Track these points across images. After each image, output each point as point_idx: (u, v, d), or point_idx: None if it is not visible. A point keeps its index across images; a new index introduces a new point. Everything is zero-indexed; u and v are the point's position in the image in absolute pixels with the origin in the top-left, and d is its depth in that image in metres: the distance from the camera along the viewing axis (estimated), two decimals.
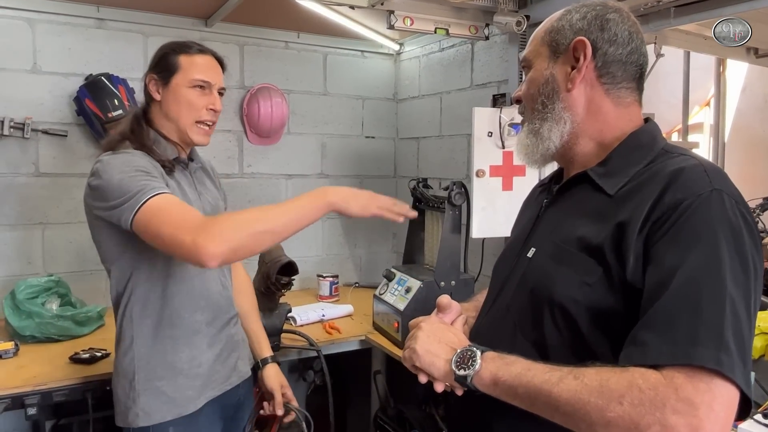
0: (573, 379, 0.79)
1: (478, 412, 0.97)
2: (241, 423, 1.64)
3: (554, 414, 0.81)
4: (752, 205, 2.79)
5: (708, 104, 4.03)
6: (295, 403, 1.71)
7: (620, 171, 0.93)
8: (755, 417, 1.26)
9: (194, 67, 1.45)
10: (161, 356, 1.42)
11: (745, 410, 0.77)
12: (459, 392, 0.93)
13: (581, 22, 0.96)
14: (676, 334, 0.75)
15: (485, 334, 1.03)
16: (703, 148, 3.94)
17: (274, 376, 1.69)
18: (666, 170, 0.86)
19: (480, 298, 1.20)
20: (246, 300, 1.73)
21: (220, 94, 1.52)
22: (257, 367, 1.70)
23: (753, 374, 1.50)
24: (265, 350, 1.72)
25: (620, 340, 0.82)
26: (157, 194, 1.25)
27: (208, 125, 1.49)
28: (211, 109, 1.47)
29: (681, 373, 0.73)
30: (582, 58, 0.95)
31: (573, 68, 0.96)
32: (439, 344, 0.96)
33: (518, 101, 1.07)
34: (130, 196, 1.26)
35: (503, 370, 0.86)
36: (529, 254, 1.00)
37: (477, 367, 0.88)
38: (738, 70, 3.78)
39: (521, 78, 1.08)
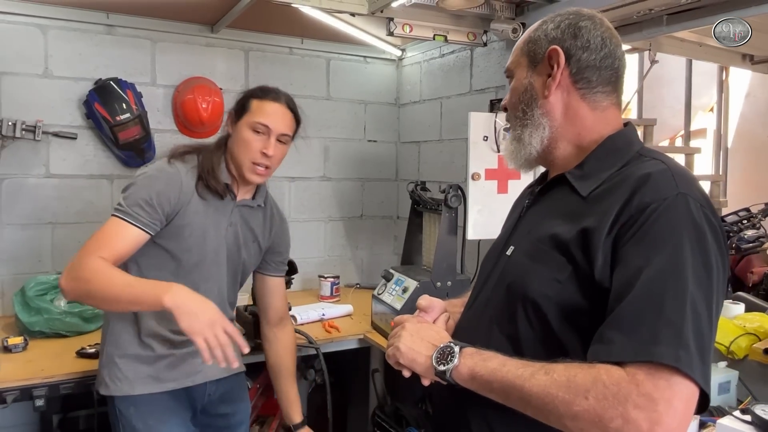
0: (544, 374, 0.83)
1: (456, 404, 1.02)
2: (220, 419, 1.72)
3: (526, 407, 0.85)
4: (755, 210, 2.82)
5: (711, 110, 4.05)
6: None
7: (595, 173, 0.97)
8: (734, 413, 1.30)
9: (259, 111, 1.56)
10: (127, 337, 1.57)
11: (703, 405, 0.80)
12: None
13: (555, 31, 1.01)
14: (639, 332, 0.79)
15: (466, 327, 1.08)
16: (706, 154, 3.96)
17: None
18: (636, 174, 0.90)
19: (469, 294, 1.25)
20: (288, 360, 1.84)
21: (282, 141, 1.59)
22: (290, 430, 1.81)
23: (737, 373, 1.54)
24: (297, 415, 1.82)
25: (588, 336, 0.85)
26: (118, 216, 1.47)
27: (263, 167, 1.58)
28: (263, 153, 1.55)
29: (642, 370, 0.76)
30: (556, 66, 0.99)
31: (549, 76, 1.00)
32: (421, 342, 1.00)
33: (506, 109, 1.11)
34: (120, 200, 1.51)
35: (480, 366, 0.91)
36: (508, 252, 1.05)
37: (455, 362, 0.93)
38: (742, 76, 3.80)
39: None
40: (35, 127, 2.35)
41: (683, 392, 0.76)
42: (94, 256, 1.41)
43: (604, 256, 0.86)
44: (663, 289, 0.80)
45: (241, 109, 1.59)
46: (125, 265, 1.53)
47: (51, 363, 1.85)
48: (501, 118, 2.08)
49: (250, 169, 1.57)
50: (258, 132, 1.55)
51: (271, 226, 1.77)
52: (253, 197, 1.69)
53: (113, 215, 1.49)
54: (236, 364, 1.35)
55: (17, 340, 1.97)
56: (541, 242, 0.96)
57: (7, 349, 1.93)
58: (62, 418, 2.24)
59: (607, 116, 1.01)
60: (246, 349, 1.36)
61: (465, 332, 1.05)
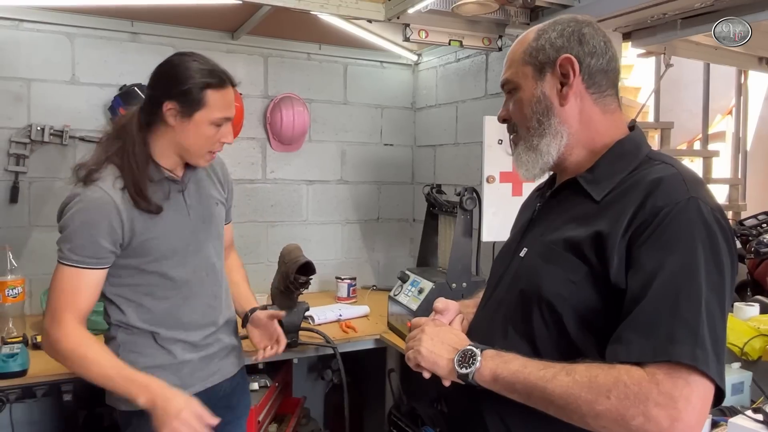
0: (565, 375, 0.86)
1: (472, 404, 1.04)
2: (229, 411, 1.67)
3: (549, 407, 0.88)
4: None
5: (730, 113, 4.03)
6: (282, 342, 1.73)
7: (606, 178, 0.99)
8: (746, 413, 1.32)
9: (218, 105, 1.44)
10: (145, 348, 1.51)
11: (718, 400, 0.84)
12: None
13: (560, 39, 1.01)
14: (657, 333, 0.82)
15: (480, 327, 1.11)
16: (725, 157, 3.94)
17: (261, 314, 1.71)
18: (647, 179, 0.93)
19: (481, 294, 1.27)
20: (233, 273, 1.80)
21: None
22: (245, 322, 1.73)
23: (751, 374, 1.55)
24: (250, 304, 1.75)
25: (603, 336, 0.88)
26: (68, 265, 1.39)
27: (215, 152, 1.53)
28: (224, 142, 1.50)
29: (661, 369, 0.80)
30: (571, 74, 1.00)
31: (562, 84, 1.01)
32: (442, 345, 1.03)
33: (506, 121, 1.11)
34: (61, 246, 1.42)
35: (502, 368, 0.94)
36: (522, 254, 1.07)
37: (477, 365, 0.96)
38: (761, 79, 3.77)
39: None
40: (62, 132, 2.44)
41: (701, 390, 0.79)
42: (64, 323, 1.38)
43: (619, 258, 0.89)
44: (678, 290, 0.83)
45: (193, 102, 1.41)
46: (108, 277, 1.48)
47: None
48: None
49: (204, 157, 1.50)
50: (218, 126, 1.46)
51: (216, 175, 1.67)
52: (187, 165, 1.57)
53: (61, 264, 1.40)
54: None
55: None
56: (555, 244, 0.98)
57: (36, 346, 1.99)
58: (88, 414, 2.30)
59: (616, 119, 1.04)
60: (214, 421, 1.37)
61: (479, 333, 1.08)
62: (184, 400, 1.35)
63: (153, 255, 1.48)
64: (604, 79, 1.02)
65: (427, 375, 1.04)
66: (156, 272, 1.50)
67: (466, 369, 0.96)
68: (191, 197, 1.56)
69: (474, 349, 0.98)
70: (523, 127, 1.06)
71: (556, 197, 1.09)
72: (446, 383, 1.02)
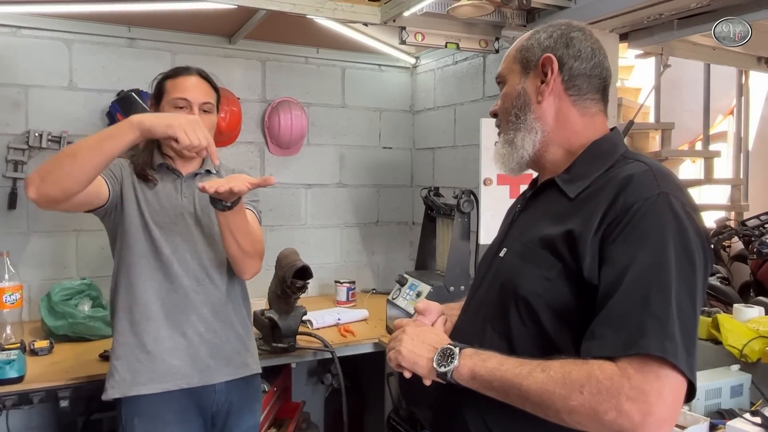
0: (540, 371, 0.88)
1: (452, 402, 1.05)
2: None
3: (525, 404, 0.89)
4: None
5: (731, 113, 4.01)
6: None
7: (582, 176, 1.01)
8: (745, 416, 1.31)
9: (174, 88, 1.60)
10: (119, 336, 1.57)
11: (690, 395, 0.84)
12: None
13: (548, 40, 1.06)
14: (627, 327, 0.83)
15: (462, 327, 1.13)
16: (727, 158, 3.92)
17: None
18: (619, 176, 0.95)
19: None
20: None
21: (206, 111, 1.62)
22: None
23: (750, 376, 1.54)
24: None
25: (579, 332, 0.90)
26: None
27: None
28: None
29: (633, 363, 0.81)
30: (550, 73, 1.04)
31: (542, 82, 1.05)
32: (422, 345, 1.04)
33: (495, 115, 1.16)
34: None
35: (479, 366, 0.95)
36: (501, 254, 1.09)
37: (456, 363, 0.97)
38: (762, 78, 3.76)
39: None
40: (60, 137, 2.44)
41: (671, 383, 0.80)
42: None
43: (591, 255, 0.91)
44: (648, 284, 0.84)
45: (159, 93, 1.62)
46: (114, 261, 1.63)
47: (75, 365, 1.91)
48: None
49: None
50: (180, 107, 1.58)
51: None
52: (201, 166, 1.69)
53: None
54: (217, 162, 1.47)
55: (43, 343, 2.04)
56: (532, 243, 1.00)
57: (34, 352, 2.00)
58: (86, 420, 2.30)
59: (595, 122, 1.07)
60: (216, 161, 1.45)
61: (461, 333, 1.10)
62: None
63: (141, 215, 1.58)
64: (586, 82, 1.05)
65: (407, 375, 1.05)
66: (141, 236, 1.58)
67: (445, 367, 0.98)
68: (188, 190, 1.64)
69: (452, 347, 0.99)
70: (504, 121, 1.11)
71: (536, 198, 1.11)
72: (427, 382, 1.03)
